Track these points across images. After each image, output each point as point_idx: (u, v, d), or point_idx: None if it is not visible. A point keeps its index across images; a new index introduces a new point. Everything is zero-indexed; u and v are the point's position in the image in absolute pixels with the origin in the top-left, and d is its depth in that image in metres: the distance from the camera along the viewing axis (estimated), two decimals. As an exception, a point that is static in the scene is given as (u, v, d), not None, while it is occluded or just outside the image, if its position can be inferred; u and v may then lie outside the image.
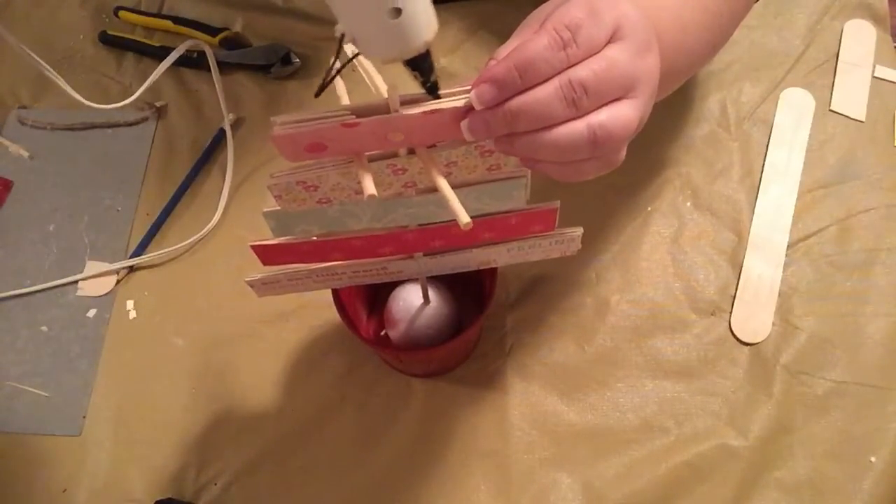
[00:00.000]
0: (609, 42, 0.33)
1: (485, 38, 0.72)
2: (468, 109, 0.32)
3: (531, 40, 0.31)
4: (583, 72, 0.31)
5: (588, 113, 0.32)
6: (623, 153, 0.35)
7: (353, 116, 0.31)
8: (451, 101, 0.32)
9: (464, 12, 0.73)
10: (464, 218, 0.31)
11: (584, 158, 0.33)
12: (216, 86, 0.69)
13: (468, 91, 0.32)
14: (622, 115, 0.33)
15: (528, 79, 0.31)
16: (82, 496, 0.57)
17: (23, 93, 0.74)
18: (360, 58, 0.35)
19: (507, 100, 0.31)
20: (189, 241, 0.65)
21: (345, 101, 0.35)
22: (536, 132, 0.32)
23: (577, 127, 0.32)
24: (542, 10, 0.35)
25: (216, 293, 0.63)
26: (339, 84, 0.36)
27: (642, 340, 0.59)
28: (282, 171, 0.35)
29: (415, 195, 0.38)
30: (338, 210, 0.39)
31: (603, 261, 0.62)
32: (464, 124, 0.32)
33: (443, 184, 0.32)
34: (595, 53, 0.32)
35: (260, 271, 0.45)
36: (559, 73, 0.31)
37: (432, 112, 0.31)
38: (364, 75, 0.35)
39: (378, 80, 0.34)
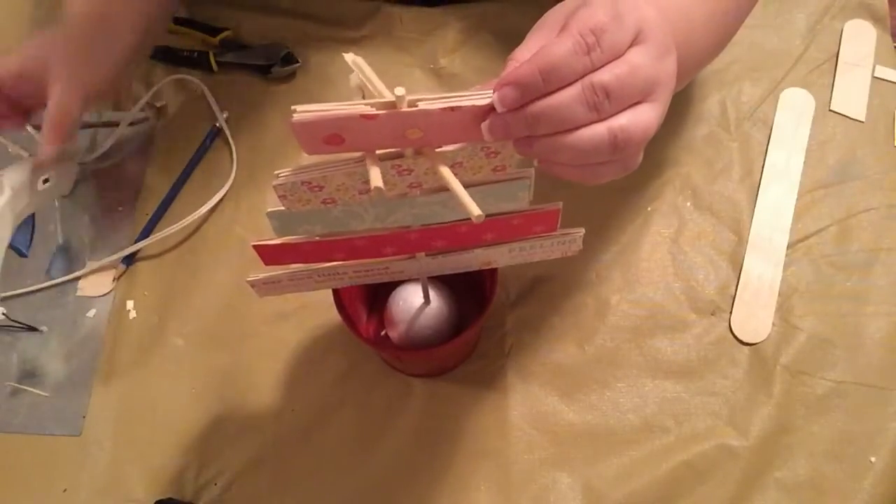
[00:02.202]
0: (631, 45, 0.33)
1: (485, 39, 0.72)
2: (489, 110, 0.32)
3: (555, 44, 0.31)
4: (606, 76, 0.31)
5: (609, 116, 0.32)
6: (641, 156, 0.35)
7: (374, 109, 0.31)
8: (472, 99, 0.31)
9: (464, 13, 0.73)
10: (475, 210, 0.31)
11: (603, 161, 0.33)
12: (211, 87, 0.69)
13: (489, 92, 0.32)
14: (643, 118, 0.33)
15: (551, 83, 0.31)
16: (82, 496, 0.57)
17: (22, 92, 0.74)
18: (361, 65, 0.35)
19: (529, 102, 0.31)
20: (189, 240, 0.65)
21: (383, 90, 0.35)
22: (557, 135, 0.32)
23: (599, 130, 0.32)
24: (560, 9, 0.35)
25: (216, 293, 0.63)
26: (354, 87, 0.36)
27: (642, 340, 0.59)
28: (287, 170, 0.35)
29: (419, 195, 0.38)
30: (341, 210, 0.39)
31: (603, 261, 0.62)
32: (484, 125, 0.32)
33: (451, 179, 0.32)
34: (618, 57, 0.32)
35: (261, 271, 0.45)
36: (582, 77, 0.31)
37: (452, 109, 0.31)
38: (367, 83, 0.35)
39: (381, 86, 0.34)
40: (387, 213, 0.40)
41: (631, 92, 0.32)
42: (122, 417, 0.60)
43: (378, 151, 0.34)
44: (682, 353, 0.59)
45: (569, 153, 0.32)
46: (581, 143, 0.32)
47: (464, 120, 0.32)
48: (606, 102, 0.32)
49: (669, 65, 0.35)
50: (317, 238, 0.41)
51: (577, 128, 0.32)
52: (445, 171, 0.32)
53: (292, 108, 0.31)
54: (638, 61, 0.32)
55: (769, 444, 0.55)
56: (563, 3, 0.36)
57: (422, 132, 0.32)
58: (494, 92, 0.31)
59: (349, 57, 0.36)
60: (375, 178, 0.31)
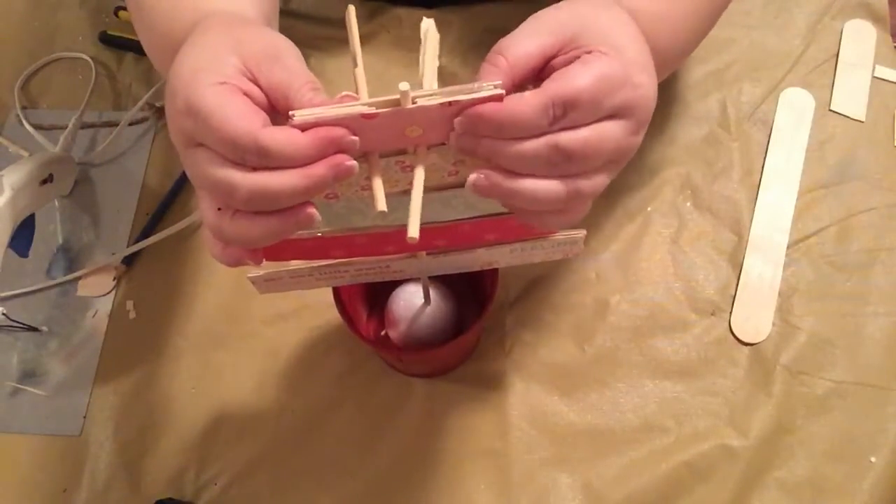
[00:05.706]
0: (608, 117, 0.33)
1: (485, 39, 0.72)
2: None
3: (525, 103, 0.31)
4: (573, 143, 0.32)
5: (566, 177, 0.33)
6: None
7: (374, 108, 0.31)
8: (471, 92, 0.31)
9: (464, 13, 0.73)
10: (413, 231, 0.31)
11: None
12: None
13: (487, 84, 0.31)
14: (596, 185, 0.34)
15: (506, 134, 0.31)
16: (82, 496, 0.57)
17: (23, 93, 0.74)
18: (431, 36, 0.35)
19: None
20: (189, 241, 0.65)
21: (363, 94, 0.34)
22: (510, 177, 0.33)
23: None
24: (558, 12, 0.35)
25: (216, 293, 0.63)
26: (360, 77, 0.36)
27: (642, 340, 0.59)
28: None
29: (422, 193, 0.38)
30: (344, 206, 0.39)
31: (603, 261, 0.62)
32: (457, 120, 0.32)
33: (417, 186, 0.32)
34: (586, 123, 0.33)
35: (262, 268, 0.45)
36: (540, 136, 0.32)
37: (449, 104, 0.31)
38: (421, 50, 0.34)
39: (430, 64, 0.34)
40: (389, 210, 0.40)
41: (592, 164, 0.33)
42: (122, 417, 0.60)
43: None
44: (682, 353, 0.59)
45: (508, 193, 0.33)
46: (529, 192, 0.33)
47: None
48: (570, 167, 0.32)
49: (641, 136, 0.35)
50: (318, 234, 0.41)
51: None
52: (417, 176, 0.32)
53: (290, 112, 0.31)
54: (608, 134, 0.32)
55: (769, 444, 0.55)
56: (555, 6, 0.35)
57: (421, 129, 0.32)
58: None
59: (427, 22, 0.36)
60: (380, 198, 0.31)
